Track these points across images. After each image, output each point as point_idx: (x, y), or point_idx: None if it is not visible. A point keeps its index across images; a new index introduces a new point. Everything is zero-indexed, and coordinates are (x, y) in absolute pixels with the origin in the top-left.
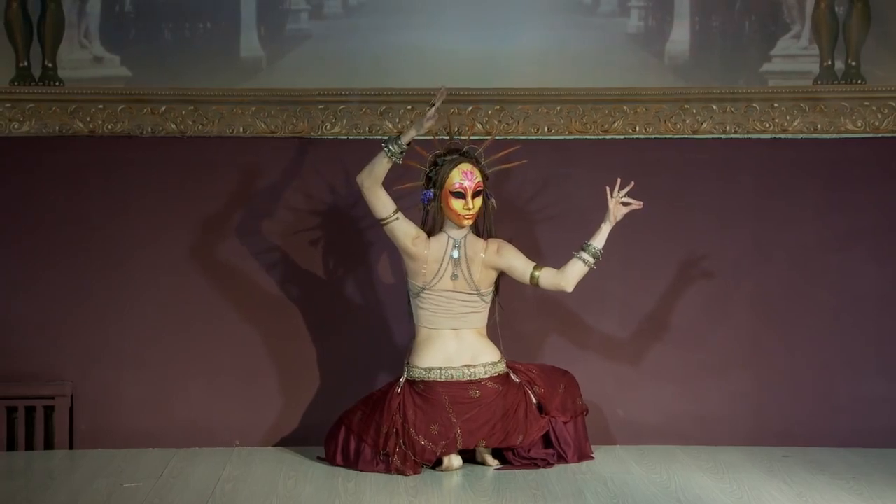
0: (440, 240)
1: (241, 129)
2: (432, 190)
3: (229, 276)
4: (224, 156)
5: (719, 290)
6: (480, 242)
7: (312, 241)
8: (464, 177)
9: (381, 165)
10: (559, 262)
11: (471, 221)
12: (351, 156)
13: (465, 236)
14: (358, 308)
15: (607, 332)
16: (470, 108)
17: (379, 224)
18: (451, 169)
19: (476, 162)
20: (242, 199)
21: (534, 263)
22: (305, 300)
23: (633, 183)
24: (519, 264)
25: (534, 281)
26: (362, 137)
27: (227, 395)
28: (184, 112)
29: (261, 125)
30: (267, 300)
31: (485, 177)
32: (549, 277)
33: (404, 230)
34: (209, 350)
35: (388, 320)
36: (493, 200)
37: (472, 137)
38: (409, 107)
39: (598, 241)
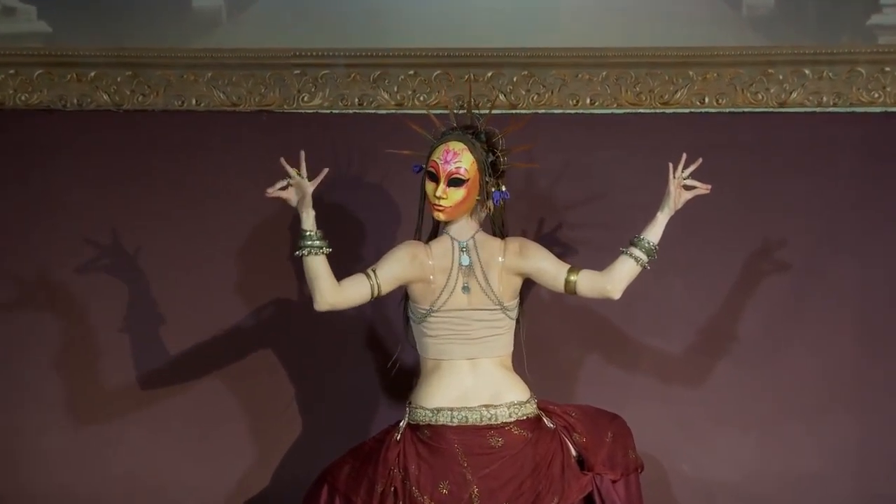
0: (443, 244)
1: (194, 101)
2: (423, 165)
3: (178, 292)
4: (172, 135)
5: (813, 309)
6: (496, 243)
7: (285, 247)
8: (444, 156)
9: (317, 270)
10: (603, 269)
11: (443, 216)
12: (335, 136)
13: (472, 236)
14: (346, 332)
15: (668, 363)
16: (490, 74)
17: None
18: (439, 144)
19: (474, 144)
20: (195, 191)
21: (568, 265)
22: (278, 322)
23: (700, 160)
24: (549, 267)
25: (570, 287)
26: (350, 112)
27: (179, 445)
28: (119, 79)
29: (219, 96)
30: (228, 323)
31: (488, 168)
32: (590, 281)
33: (395, 274)
34: (154, 386)
35: (385, 347)
36: (490, 202)
37: (497, 112)
38: (412, 72)
39: (653, 233)
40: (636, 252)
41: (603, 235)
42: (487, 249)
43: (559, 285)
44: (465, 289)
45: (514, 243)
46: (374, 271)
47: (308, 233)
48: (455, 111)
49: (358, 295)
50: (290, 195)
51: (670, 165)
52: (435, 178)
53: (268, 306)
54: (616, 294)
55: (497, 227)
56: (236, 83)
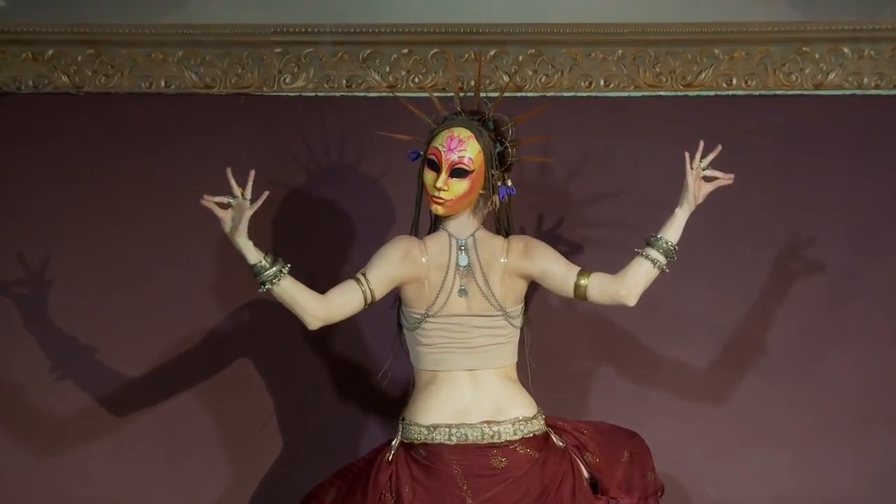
0: (440, 240)
1: (163, 83)
2: (420, 151)
3: (146, 297)
4: (138, 121)
5: (852, 316)
6: (498, 241)
7: (266, 244)
8: (447, 143)
9: (290, 294)
10: (617, 271)
11: (442, 209)
12: (321, 121)
13: (472, 234)
14: (331, 340)
15: (690, 375)
16: (493, 53)
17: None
18: (441, 130)
19: (481, 132)
20: (164, 184)
21: (578, 268)
22: (256, 330)
23: (719, 147)
24: (557, 269)
25: (580, 292)
26: (337, 94)
27: (147, 467)
28: (80, 58)
29: (191, 77)
30: (202, 330)
31: (495, 160)
32: (602, 285)
33: (388, 275)
34: (117, 405)
35: (375, 356)
36: (496, 197)
37: (509, 94)
38: (405, 51)
39: (672, 231)
40: (653, 253)
41: (619, 234)
42: (488, 249)
43: (568, 290)
44: (463, 292)
45: (519, 242)
46: (364, 275)
47: (258, 265)
48: (463, 94)
49: (349, 305)
50: (226, 216)
51: (686, 155)
52: (435, 167)
53: (244, 311)
54: (631, 300)
55: (502, 225)
56: (210, 63)
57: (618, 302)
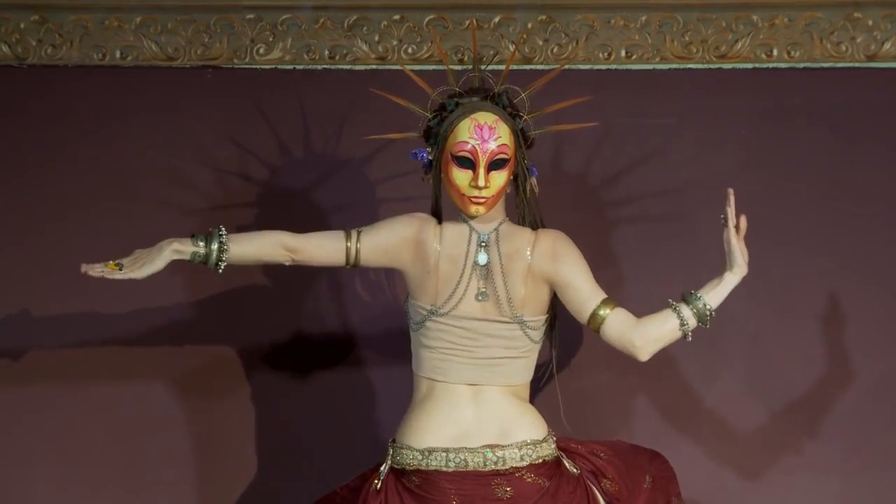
0: (458, 231)
1: (119, 54)
2: (428, 150)
3: (99, 295)
4: (90, 96)
5: None
6: (525, 234)
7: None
8: (477, 133)
9: (247, 252)
10: (632, 281)
11: (483, 209)
12: (299, 97)
13: (497, 228)
14: (314, 349)
15: (722, 389)
16: (497, 20)
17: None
18: (461, 119)
19: (508, 113)
20: (120, 168)
21: (604, 295)
22: (226, 332)
23: (731, 190)
24: (583, 286)
25: (595, 323)
26: (319, 68)
27: (104, 493)
28: (23, 25)
29: (150, 47)
30: (164, 333)
31: (522, 140)
32: (621, 327)
33: (381, 242)
34: (70, 417)
35: (364, 367)
36: (533, 179)
37: (514, 68)
38: (397, 17)
39: (714, 296)
40: (685, 311)
41: (639, 226)
42: (513, 242)
43: (584, 315)
44: (482, 296)
45: (548, 239)
46: (358, 232)
47: (196, 254)
48: (461, 66)
49: (324, 250)
50: (142, 271)
51: (725, 215)
52: (469, 164)
53: (211, 310)
54: (643, 355)
55: (535, 215)
56: (172, 31)
57: (629, 352)
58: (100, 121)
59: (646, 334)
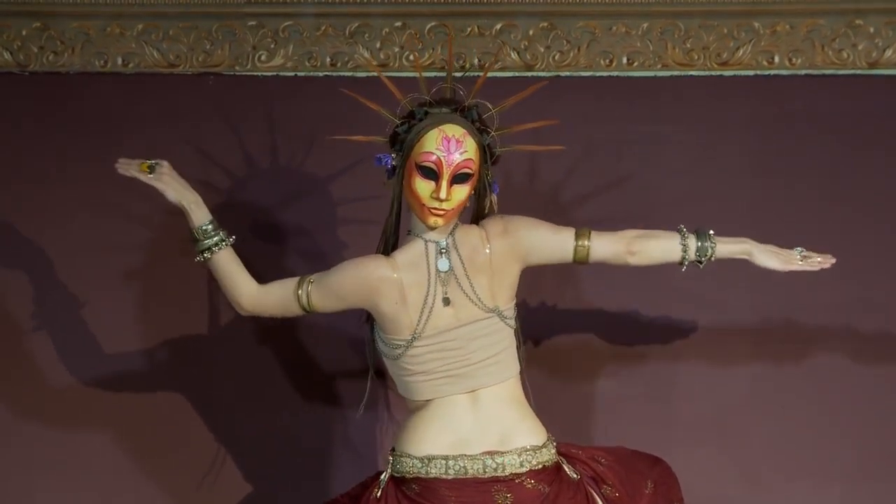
0: (412, 250)
1: (120, 61)
2: (392, 156)
3: (104, 301)
4: (91, 103)
5: None
6: (474, 231)
7: (235, 246)
8: (443, 145)
9: (226, 268)
10: (633, 284)
11: (441, 221)
12: (300, 104)
13: (452, 234)
14: (308, 356)
15: (726, 393)
16: (499, 27)
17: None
18: (429, 129)
19: (475, 127)
20: (120, 175)
21: (572, 229)
22: (214, 341)
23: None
24: (548, 236)
25: (581, 255)
26: (321, 74)
27: (104, 499)
28: (25, 32)
29: (152, 54)
30: (156, 343)
31: (489, 155)
32: (605, 244)
33: (333, 287)
34: (71, 424)
35: (359, 375)
36: (494, 196)
37: (515, 75)
38: (399, 24)
39: (726, 245)
40: (690, 242)
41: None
42: (469, 244)
43: (567, 254)
44: (447, 301)
45: (496, 224)
46: (309, 281)
47: (201, 228)
48: (463, 73)
49: (278, 300)
50: (165, 180)
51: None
52: (433, 175)
53: (200, 320)
54: (634, 257)
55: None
56: (174, 38)
57: (622, 260)
58: (101, 128)
59: (648, 245)
